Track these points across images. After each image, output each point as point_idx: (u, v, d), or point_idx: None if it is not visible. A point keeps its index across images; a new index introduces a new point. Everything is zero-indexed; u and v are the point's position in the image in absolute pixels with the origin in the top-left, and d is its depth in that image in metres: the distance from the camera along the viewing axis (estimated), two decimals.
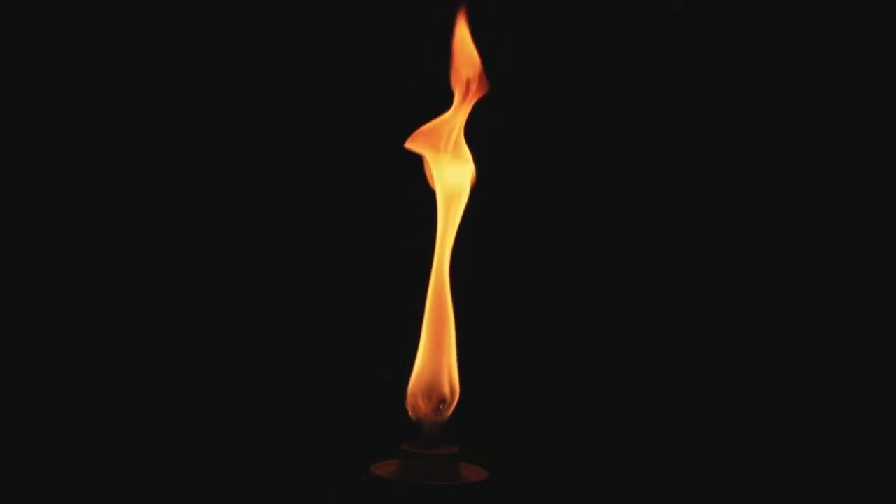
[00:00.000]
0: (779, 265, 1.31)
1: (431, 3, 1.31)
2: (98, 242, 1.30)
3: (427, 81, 1.10)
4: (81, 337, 1.30)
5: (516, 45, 1.31)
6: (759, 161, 1.31)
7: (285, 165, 1.32)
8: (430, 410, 0.95)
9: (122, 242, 1.31)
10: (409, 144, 0.99)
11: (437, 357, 0.96)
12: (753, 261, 1.31)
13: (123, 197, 1.30)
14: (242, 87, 1.31)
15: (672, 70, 1.31)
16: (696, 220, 1.32)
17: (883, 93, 1.29)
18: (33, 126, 1.29)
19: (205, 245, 1.32)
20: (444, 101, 1.02)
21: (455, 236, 0.99)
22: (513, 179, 1.32)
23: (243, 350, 1.32)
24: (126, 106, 1.30)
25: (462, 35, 1.02)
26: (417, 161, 1.03)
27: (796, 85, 1.30)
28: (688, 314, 1.33)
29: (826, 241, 1.30)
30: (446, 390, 0.96)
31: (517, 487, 1.27)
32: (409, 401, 0.95)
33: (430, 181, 1.00)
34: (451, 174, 0.98)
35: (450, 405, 0.95)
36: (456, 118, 1.00)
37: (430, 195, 1.00)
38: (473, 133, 1.02)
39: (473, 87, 1.00)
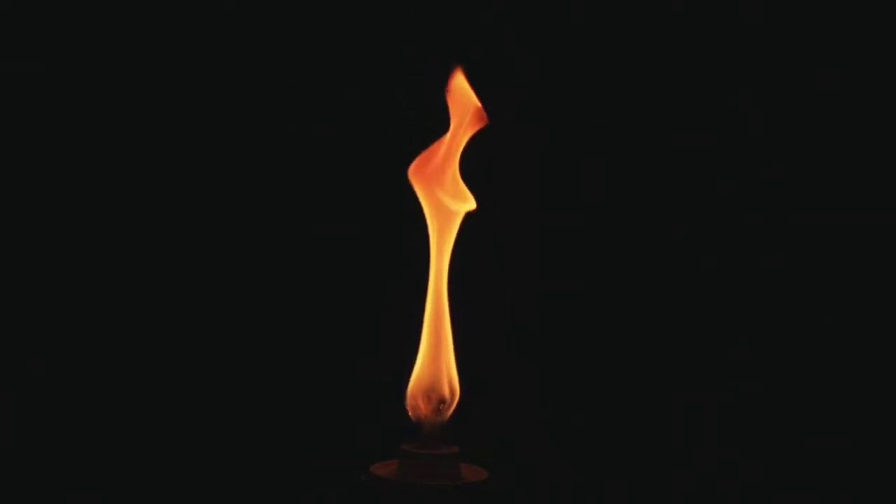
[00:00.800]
0: (779, 265, 1.31)
1: (431, 3, 1.32)
2: (98, 242, 1.30)
3: (427, 81, 1.11)
4: (81, 337, 1.30)
5: (516, 45, 1.31)
6: (759, 161, 1.31)
7: (285, 165, 1.32)
8: (430, 411, 0.95)
9: (123, 242, 1.31)
10: (410, 176, 0.99)
11: (436, 357, 0.96)
12: (753, 261, 1.32)
13: (123, 197, 1.30)
14: (242, 87, 1.31)
15: (672, 70, 1.31)
16: (697, 220, 1.32)
17: (883, 93, 1.29)
18: (33, 126, 1.29)
19: (205, 245, 1.32)
20: (444, 102, 1.02)
21: (453, 240, 0.99)
22: (513, 179, 1.32)
23: (243, 350, 1.32)
24: (126, 106, 1.30)
25: (458, 80, 1.01)
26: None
27: (796, 85, 1.30)
28: (688, 314, 1.33)
29: (826, 242, 1.30)
30: (446, 391, 0.96)
31: (517, 487, 1.27)
32: (409, 401, 0.95)
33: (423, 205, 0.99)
34: (446, 208, 0.98)
35: (450, 406, 0.95)
36: (452, 149, 0.99)
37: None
38: (474, 131, 1.02)
39: (469, 122, 1.00)
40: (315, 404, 1.33)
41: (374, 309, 1.32)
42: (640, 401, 1.33)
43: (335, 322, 1.33)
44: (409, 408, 0.95)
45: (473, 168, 1.01)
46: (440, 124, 1.01)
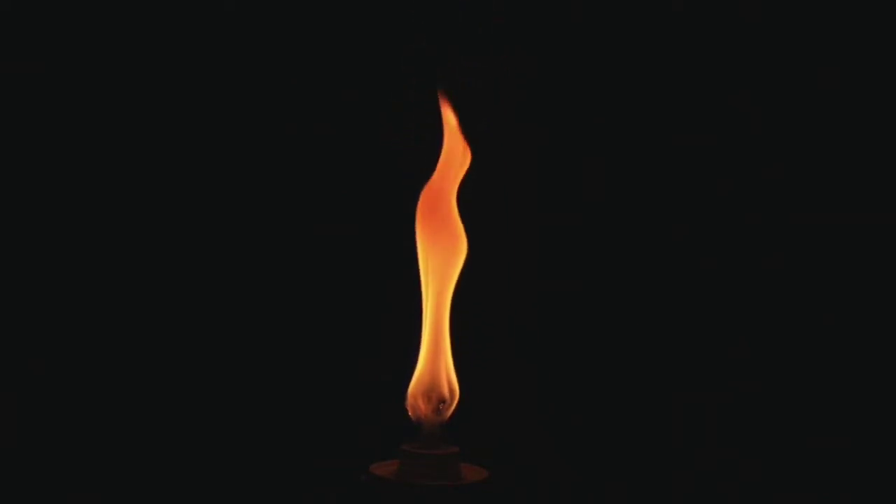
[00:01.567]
0: (779, 265, 1.31)
1: (432, 3, 1.32)
2: (98, 242, 1.30)
3: (426, 81, 1.10)
4: (81, 337, 1.30)
5: (516, 45, 1.31)
6: (760, 161, 1.31)
7: (285, 166, 1.32)
8: (430, 411, 0.95)
9: (122, 242, 1.31)
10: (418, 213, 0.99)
11: (436, 357, 0.96)
12: (753, 261, 1.31)
13: (123, 197, 1.30)
14: (242, 87, 1.31)
15: (672, 70, 1.31)
16: (697, 220, 1.32)
17: (883, 93, 1.29)
18: (33, 126, 1.28)
19: (205, 245, 1.32)
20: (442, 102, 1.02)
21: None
22: (513, 180, 1.32)
23: (243, 350, 1.32)
24: (126, 106, 1.30)
25: (446, 116, 1.01)
26: (417, 160, 1.03)
27: (796, 85, 1.30)
28: (688, 314, 1.33)
29: (826, 241, 1.30)
30: (446, 391, 0.96)
31: (517, 487, 1.27)
32: (409, 401, 0.95)
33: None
34: (443, 254, 0.98)
35: (450, 406, 0.95)
36: (447, 185, 0.99)
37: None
38: (473, 133, 1.02)
39: (460, 160, 0.99)
40: (315, 404, 1.32)
41: (375, 309, 1.32)
42: (641, 401, 1.33)
43: (335, 322, 1.33)
44: (409, 408, 0.95)
45: (474, 168, 1.01)
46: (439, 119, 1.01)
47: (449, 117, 1.00)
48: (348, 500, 0.95)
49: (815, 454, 1.30)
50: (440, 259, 0.98)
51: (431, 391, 0.95)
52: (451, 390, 0.96)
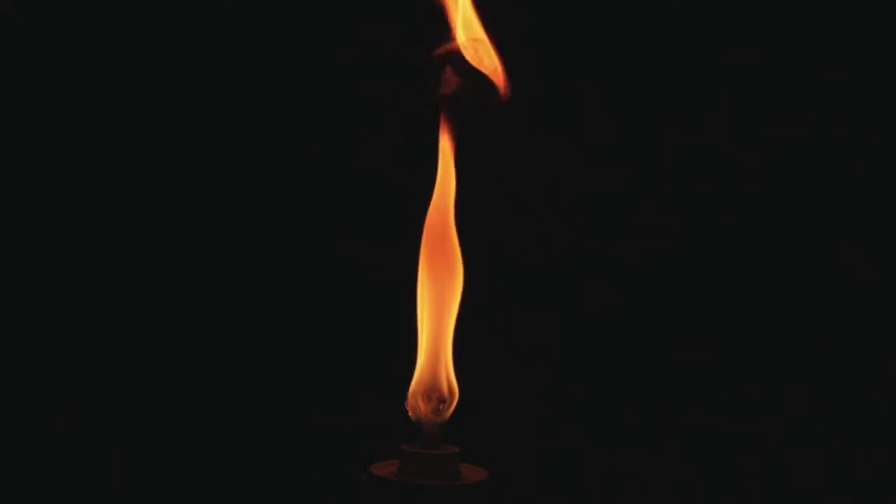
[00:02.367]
0: (779, 265, 1.31)
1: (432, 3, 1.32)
2: (98, 243, 1.30)
3: (426, 83, 1.10)
4: (81, 337, 1.30)
5: (517, 44, 1.31)
6: (760, 161, 1.31)
7: (284, 166, 1.32)
8: (430, 411, 0.95)
9: (122, 243, 1.31)
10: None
11: (436, 357, 0.96)
12: (754, 261, 1.31)
13: (122, 197, 1.30)
14: (242, 87, 1.32)
15: (672, 70, 1.31)
16: (697, 219, 1.32)
17: (884, 92, 1.29)
18: (33, 126, 1.29)
19: (204, 245, 1.32)
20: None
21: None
22: (513, 180, 1.32)
23: (243, 350, 1.32)
24: (126, 106, 1.30)
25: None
26: (417, 160, 1.03)
27: (797, 84, 1.30)
28: (688, 314, 1.33)
29: (826, 241, 1.30)
30: (446, 391, 0.96)
31: (517, 487, 1.27)
32: (409, 401, 0.95)
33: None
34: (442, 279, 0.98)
35: (449, 405, 0.95)
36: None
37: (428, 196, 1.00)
38: (474, 133, 1.02)
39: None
40: (315, 404, 1.32)
41: (375, 309, 1.32)
42: (641, 401, 1.33)
43: (335, 322, 1.33)
44: (409, 408, 0.95)
45: (474, 168, 1.01)
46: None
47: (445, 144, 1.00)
48: (348, 500, 0.95)
49: (814, 454, 1.30)
50: (440, 267, 0.98)
51: (431, 391, 0.95)
52: (451, 390, 0.96)
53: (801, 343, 1.31)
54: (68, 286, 1.30)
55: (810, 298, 1.31)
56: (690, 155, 1.32)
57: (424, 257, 0.97)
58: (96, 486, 1.29)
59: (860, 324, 1.31)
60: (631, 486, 1.32)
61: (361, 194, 1.33)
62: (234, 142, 1.32)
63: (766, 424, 1.31)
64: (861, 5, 1.29)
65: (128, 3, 1.29)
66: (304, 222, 1.33)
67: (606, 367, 1.34)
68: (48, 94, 1.29)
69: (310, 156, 1.33)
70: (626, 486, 1.32)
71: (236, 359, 1.32)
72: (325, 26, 1.32)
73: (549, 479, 1.32)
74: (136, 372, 1.31)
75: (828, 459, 1.30)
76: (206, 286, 1.32)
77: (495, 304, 1.33)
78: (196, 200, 1.32)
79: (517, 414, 1.33)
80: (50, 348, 1.29)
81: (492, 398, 1.27)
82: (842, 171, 1.30)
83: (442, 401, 0.95)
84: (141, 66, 1.30)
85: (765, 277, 1.32)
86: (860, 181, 1.30)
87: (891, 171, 1.30)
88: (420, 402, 0.95)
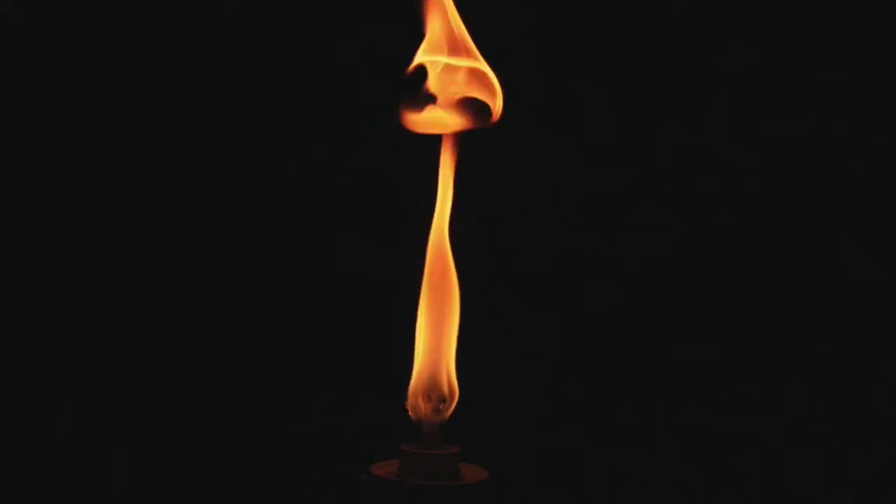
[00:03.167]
0: (779, 265, 1.31)
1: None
2: (99, 243, 1.30)
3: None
4: (81, 337, 1.30)
5: (516, 44, 1.31)
6: (761, 161, 1.31)
7: (284, 166, 1.32)
8: (430, 410, 0.94)
9: (122, 243, 1.31)
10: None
11: (436, 357, 0.96)
12: (753, 261, 1.31)
13: (122, 197, 1.30)
14: (242, 87, 1.32)
15: (672, 70, 1.31)
16: (697, 219, 1.32)
17: (884, 92, 1.29)
18: (33, 125, 1.29)
19: (205, 245, 1.32)
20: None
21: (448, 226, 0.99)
22: (514, 179, 1.32)
23: (244, 350, 1.32)
24: (126, 106, 1.30)
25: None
26: (418, 159, 1.03)
27: (797, 84, 1.30)
28: (688, 314, 1.33)
29: (826, 241, 1.30)
30: (446, 390, 0.95)
31: (517, 487, 1.27)
32: (409, 401, 0.95)
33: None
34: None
35: (449, 405, 0.95)
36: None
37: (428, 196, 1.00)
38: (473, 132, 1.02)
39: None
40: (315, 404, 1.32)
41: (375, 309, 1.32)
42: (641, 401, 1.33)
43: (335, 322, 1.33)
44: (409, 408, 0.95)
45: (474, 168, 1.01)
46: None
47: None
48: (348, 500, 0.95)
49: (814, 454, 1.30)
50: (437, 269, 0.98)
51: (431, 391, 0.95)
52: (451, 390, 0.96)
53: (801, 343, 1.31)
54: (68, 286, 1.30)
55: (810, 298, 1.31)
56: (690, 155, 1.32)
57: (427, 269, 0.98)
58: (96, 486, 1.29)
59: (860, 324, 1.31)
60: (631, 486, 1.32)
61: (361, 194, 1.33)
62: (234, 142, 1.32)
63: (766, 424, 1.31)
64: (861, 5, 1.29)
65: (128, 3, 1.29)
66: (304, 222, 1.33)
67: (606, 367, 1.34)
68: (48, 93, 1.29)
69: (310, 156, 1.33)
70: (626, 486, 1.32)
71: (237, 359, 1.32)
72: (325, 26, 1.32)
73: (549, 479, 1.32)
74: (136, 372, 1.31)
75: (828, 459, 1.30)
76: (206, 286, 1.32)
77: (495, 303, 1.33)
78: (196, 200, 1.32)
79: (517, 414, 1.33)
80: (50, 348, 1.29)
81: (492, 398, 1.27)
82: (842, 171, 1.30)
83: (442, 400, 0.95)
84: (141, 65, 1.30)
85: (765, 277, 1.32)
86: (860, 181, 1.31)
87: (891, 171, 1.30)
88: (420, 402, 0.95)
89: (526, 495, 1.30)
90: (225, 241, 1.33)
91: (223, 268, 1.33)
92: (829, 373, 1.31)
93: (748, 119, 1.31)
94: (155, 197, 1.32)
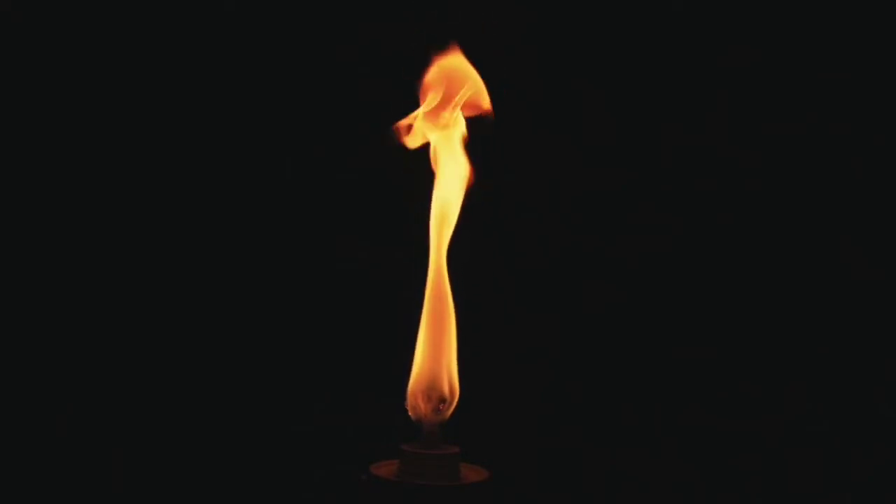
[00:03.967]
0: (779, 265, 1.31)
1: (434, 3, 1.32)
2: (99, 244, 1.30)
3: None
4: (81, 337, 1.30)
5: (516, 44, 1.31)
6: (761, 161, 1.31)
7: (284, 166, 1.32)
8: (430, 410, 0.94)
9: (122, 243, 1.31)
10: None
11: (436, 357, 0.96)
12: (753, 261, 1.31)
13: (123, 197, 1.31)
14: (242, 87, 1.32)
15: (672, 70, 1.31)
16: (697, 219, 1.32)
17: (884, 92, 1.29)
18: (33, 125, 1.29)
19: (205, 246, 1.32)
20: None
21: (451, 235, 0.99)
22: (515, 179, 1.32)
23: (244, 350, 1.32)
24: (126, 106, 1.30)
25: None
26: (418, 158, 1.03)
27: (797, 84, 1.30)
28: (688, 314, 1.33)
29: (826, 241, 1.30)
30: (446, 390, 0.95)
31: (517, 487, 1.27)
32: (409, 401, 0.95)
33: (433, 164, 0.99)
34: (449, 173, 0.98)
35: (450, 405, 0.95)
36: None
37: (429, 194, 1.00)
38: (474, 133, 1.02)
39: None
40: (315, 404, 1.32)
41: (375, 309, 1.32)
42: (641, 401, 1.33)
43: (335, 322, 1.33)
44: (409, 407, 0.95)
45: (474, 168, 1.01)
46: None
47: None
48: (348, 500, 0.95)
49: (814, 454, 1.30)
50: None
51: (431, 390, 0.95)
52: (451, 390, 0.96)
53: (801, 343, 1.31)
54: (68, 286, 1.30)
55: (810, 298, 1.31)
56: (690, 155, 1.32)
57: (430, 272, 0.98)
58: (96, 486, 1.29)
59: (860, 324, 1.31)
60: (631, 486, 1.32)
61: (361, 194, 1.33)
62: (234, 142, 1.32)
63: (766, 424, 1.31)
64: (861, 5, 1.29)
65: (128, 3, 1.29)
66: (305, 222, 1.33)
67: (606, 367, 1.34)
68: (48, 93, 1.29)
69: (310, 156, 1.33)
70: (626, 486, 1.32)
71: (237, 359, 1.32)
72: (325, 26, 1.32)
73: (549, 479, 1.32)
74: (136, 372, 1.31)
75: (828, 459, 1.30)
76: (206, 286, 1.32)
77: (495, 303, 1.33)
78: (196, 200, 1.32)
79: (517, 414, 1.33)
80: (50, 348, 1.29)
81: (492, 398, 1.27)
82: (842, 171, 1.30)
83: (442, 400, 0.95)
84: (141, 66, 1.30)
85: (764, 277, 1.32)
86: (860, 181, 1.31)
87: (891, 171, 1.30)
88: (420, 402, 0.95)
89: (526, 495, 1.30)
90: (225, 241, 1.33)
91: (223, 268, 1.33)
92: (829, 373, 1.31)
93: (748, 119, 1.31)
94: (155, 197, 1.32)
